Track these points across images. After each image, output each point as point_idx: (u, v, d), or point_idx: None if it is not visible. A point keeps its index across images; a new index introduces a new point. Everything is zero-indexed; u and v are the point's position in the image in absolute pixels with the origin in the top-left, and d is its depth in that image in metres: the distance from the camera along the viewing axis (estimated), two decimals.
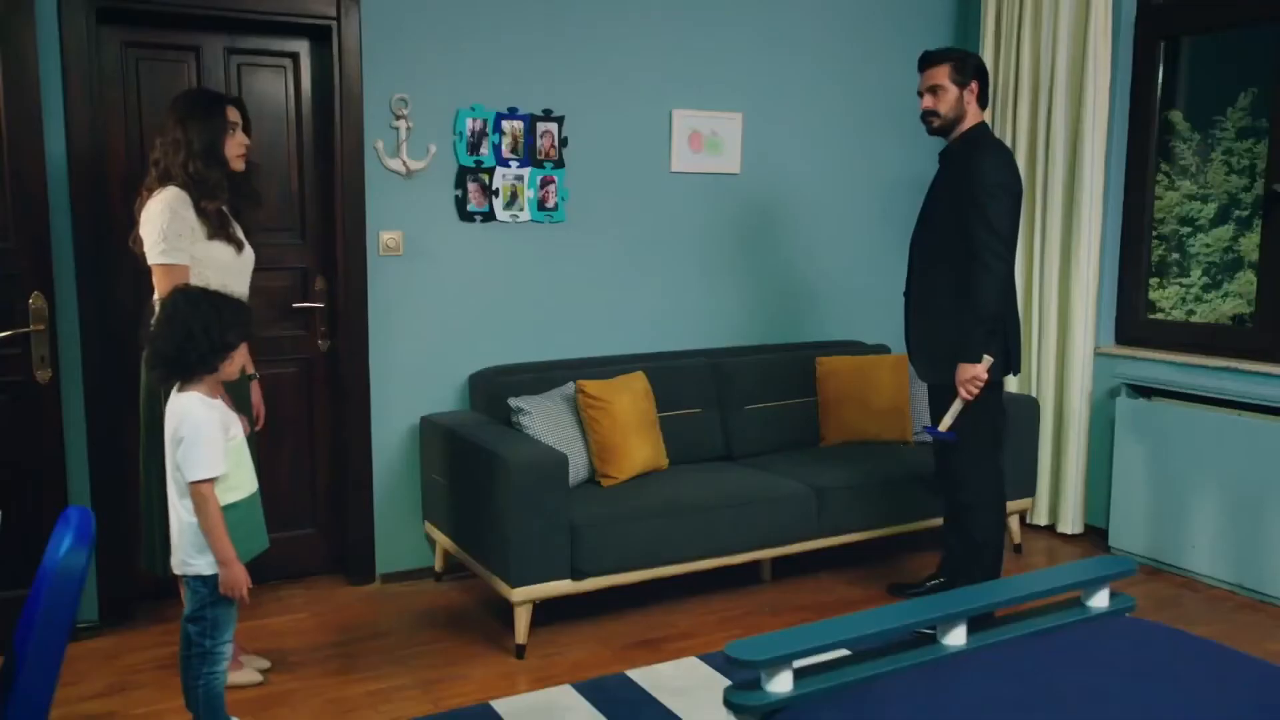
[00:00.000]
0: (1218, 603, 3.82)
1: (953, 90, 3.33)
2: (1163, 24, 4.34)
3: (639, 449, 3.74)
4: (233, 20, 3.53)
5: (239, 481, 2.56)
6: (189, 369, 2.48)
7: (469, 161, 3.91)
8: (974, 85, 3.35)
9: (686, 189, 4.36)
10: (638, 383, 3.87)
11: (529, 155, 4.01)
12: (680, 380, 4.10)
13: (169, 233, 2.76)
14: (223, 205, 2.93)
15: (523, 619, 3.30)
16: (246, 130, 3.00)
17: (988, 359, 3.25)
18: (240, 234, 2.99)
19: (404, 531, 3.98)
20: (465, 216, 3.94)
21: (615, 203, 4.21)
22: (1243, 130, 4.39)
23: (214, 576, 2.51)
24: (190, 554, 2.53)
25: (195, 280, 2.82)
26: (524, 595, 3.27)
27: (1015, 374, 3.47)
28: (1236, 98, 4.37)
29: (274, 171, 3.74)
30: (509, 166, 3.98)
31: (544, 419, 3.64)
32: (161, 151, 2.87)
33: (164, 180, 2.84)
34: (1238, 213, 4.40)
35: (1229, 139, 4.48)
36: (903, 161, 4.86)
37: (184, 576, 2.57)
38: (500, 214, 3.99)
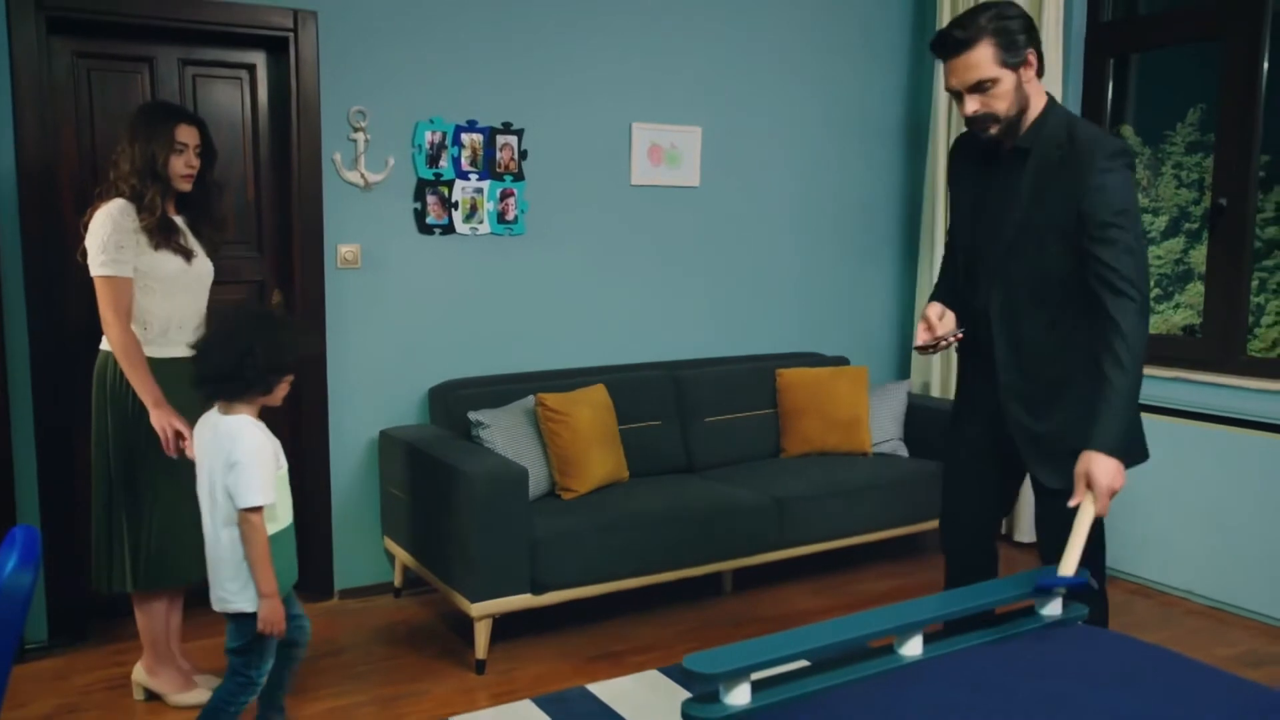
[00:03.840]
0: (1169, 609, 3.88)
1: (1008, 78, 2.28)
2: (1112, 42, 4.43)
3: (599, 461, 3.74)
4: (187, 31, 3.50)
5: (281, 513, 2.49)
6: (244, 388, 2.40)
7: (428, 174, 3.89)
8: (1030, 56, 2.29)
9: (646, 202, 4.37)
10: (598, 395, 3.87)
11: (488, 168, 4.01)
12: (641, 392, 4.10)
13: (109, 244, 2.73)
14: (170, 215, 2.88)
15: (482, 634, 3.28)
16: (208, 152, 2.95)
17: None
18: (193, 244, 2.94)
19: (362, 547, 3.95)
20: (424, 229, 3.92)
21: (575, 215, 4.22)
22: (1191, 145, 4.49)
23: (255, 613, 2.43)
24: (231, 590, 2.44)
25: (141, 292, 2.79)
26: (484, 610, 3.25)
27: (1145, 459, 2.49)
28: (1186, 113, 4.47)
29: (230, 184, 3.69)
30: (468, 179, 3.97)
31: (504, 432, 3.63)
32: (112, 164, 2.84)
33: (111, 192, 2.81)
34: (1187, 225, 4.49)
35: (1178, 153, 4.57)
36: (861, 174, 4.91)
37: (227, 613, 2.47)
38: (460, 227, 3.98)
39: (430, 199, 3.91)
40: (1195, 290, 4.34)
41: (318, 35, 3.64)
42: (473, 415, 3.68)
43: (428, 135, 3.87)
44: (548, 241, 4.16)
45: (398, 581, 3.95)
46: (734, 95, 4.53)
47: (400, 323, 3.92)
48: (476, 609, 3.24)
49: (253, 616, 2.44)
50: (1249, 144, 3.90)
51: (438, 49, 3.87)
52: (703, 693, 1.78)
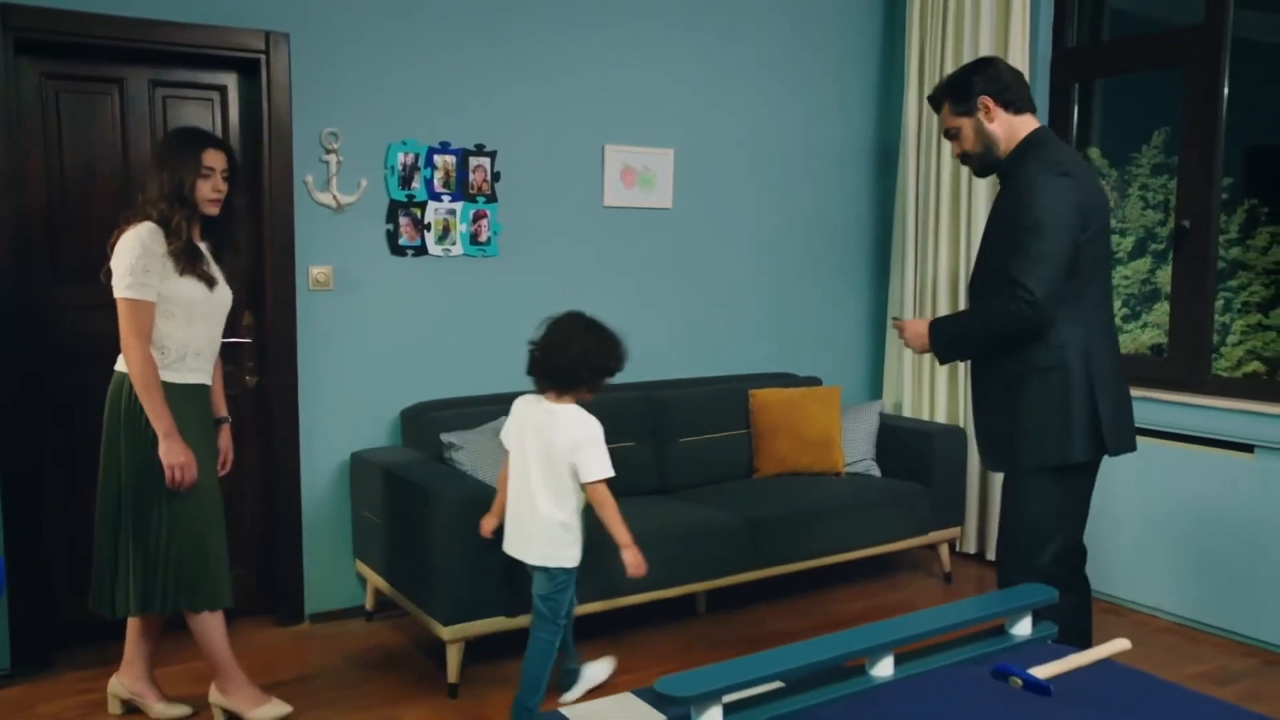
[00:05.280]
0: (1139, 627, 3.91)
1: (966, 123, 2.80)
2: (1077, 67, 4.51)
3: None
4: (158, 53, 3.49)
5: None
6: (576, 384, 2.88)
7: (400, 196, 3.89)
8: (983, 101, 2.75)
9: (619, 223, 4.39)
10: None
11: (461, 190, 4.01)
12: (614, 413, 4.08)
13: (136, 267, 2.73)
14: (195, 241, 2.89)
15: (455, 657, 3.26)
16: (233, 177, 2.96)
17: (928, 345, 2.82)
18: (215, 272, 2.94)
19: (334, 570, 3.91)
20: (397, 251, 3.91)
21: (548, 237, 4.22)
22: (1156, 167, 4.56)
23: (575, 568, 2.91)
24: (560, 548, 2.88)
25: (161, 317, 2.79)
26: (456, 633, 3.23)
27: (1116, 454, 2.75)
28: (1151, 136, 4.54)
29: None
30: (441, 201, 3.97)
31: (477, 454, 3.62)
32: (142, 188, 2.85)
33: (140, 215, 2.81)
34: (1154, 246, 4.55)
35: (1144, 175, 4.64)
36: (832, 196, 4.95)
37: (545, 567, 2.89)
38: (432, 248, 3.97)
39: (403, 220, 3.91)
40: (1162, 310, 4.40)
41: (290, 57, 3.64)
42: (445, 437, 3.66)
43: (400, 157, 3.87)
44: (521, 263, 4.17)
45: (369, 605, 3.92)
46: (706, 118, 4.56)
47: (373, 344, 3.90)
48: (449, 632, 3.22)
49: (567, 570, 2.91)
50: (1211, 167, 3.97)
51: (410, 71, 3.88)
52: (675, 716, 1.78)
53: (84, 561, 3.56)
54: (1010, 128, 2.77)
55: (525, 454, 2.92)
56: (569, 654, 3.19)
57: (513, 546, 2.96)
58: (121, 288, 2.74)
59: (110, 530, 2.86)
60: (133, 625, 3.01)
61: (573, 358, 2.85)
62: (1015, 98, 2.76)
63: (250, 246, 3.77)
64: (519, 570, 3.03)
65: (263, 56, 3.60)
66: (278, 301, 3.71)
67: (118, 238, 2.80)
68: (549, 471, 2.86)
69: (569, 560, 2.90)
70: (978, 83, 2.77)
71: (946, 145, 4.64)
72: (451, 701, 3.23)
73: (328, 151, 3.76)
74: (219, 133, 3.70)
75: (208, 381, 2.96)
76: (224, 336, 3.73)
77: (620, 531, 2.90)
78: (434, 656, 3.50)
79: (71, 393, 3.51)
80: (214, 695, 3.03)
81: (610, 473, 2.85)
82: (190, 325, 2.86)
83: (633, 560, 2.92)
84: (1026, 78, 4.38)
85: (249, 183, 3.74)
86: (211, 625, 2.94)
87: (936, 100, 2.88)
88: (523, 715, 2.89)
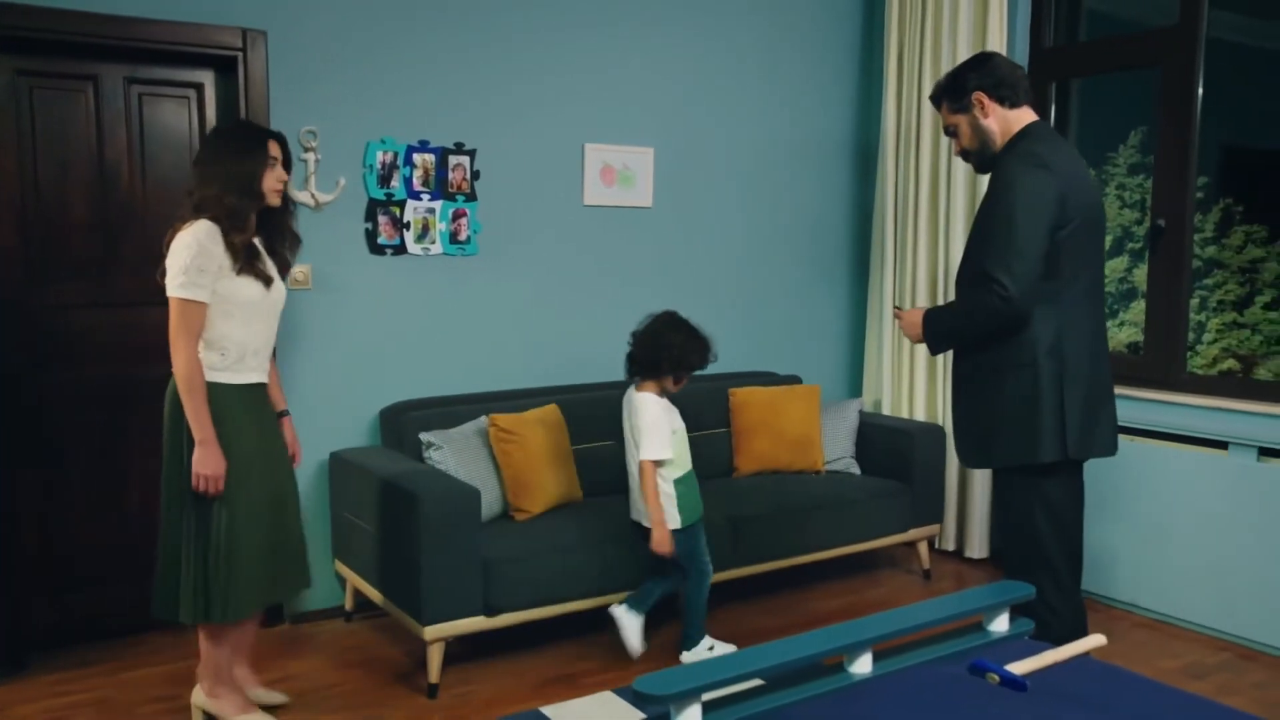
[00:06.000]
0: (1115, 622, 3.94)
1: (962, 120, 2.82)
2: (1054, 67, 4.53)
3: (553, 482, 3.73)
4: (133, 50, 3.46)
5: (680, 462, 3.34)
6: (656, 374, 3.30)
7: (379, 194, 3.88)
8: (977, 97, 2.77)
9: (599, 222, 4.39)
10: (551, 415, 3.86)
11: (440, 188, 4.00)
12: (594, 412, 4.10)
13: (191, 267, 2.68)
14: (252, 239, 2.85)
15: (435, 657, 3.25)
16: (286, 166, 2.93)
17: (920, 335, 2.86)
18: (271, 270, 2.91)
19: (313, 570, 3.88)
20: (376, 250, 3.90)
21: (528, 236, 4.22)
22: (1133, 166, 4.60)
23: (683, 528, 3.32)
24: (668, 515, 3.32)
25: (221, 317, 2.75)
26: (436, 633, 3.22)
27: (1078, 458, 2.74)
28: (1128, 135, 4.58)
29: (178, 204, 3.65)
30: (420, 199, 3.96)
31: (456, 453, 3.61)
32: (197, 183, 2.79)
33: (197, 212, 2.75)
34: (1131, 245, 4.59)
35: (1121, 175, 4.68)
36: (812, 194, 4.97)
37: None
38: (411, 247, 3.96)
39: (382, 219, 3.89)
40: (1139, 308, 4.44)
41: (267, 55, 3.62)
42: (424, 436, 3.65)
43: (379, 155, 3.86)
44: (500, 262, 4.16)
45: (349, 605, 3.90)
46: (686, 116, 4.57)
47: (351, 343, 3.89)
48: (429, 632, 3.21)
49: (682, 530, 3.34)
50: (1186, 166, 4.01)
51: (389, 69, 3.86)
52: (655, 714, 1.78)
53: (59, 563, 3.54)
54: (1006, 122, 2.78)
55: (626, 432, 3.39)
56: (648, 594, 3.47)
57: (632, 511, 3.43)
58: (174, 286, 2.70)
59: (174, 533, 2.81)
60: (205, 632, 2.92)
61: (655, 350, 3.27)
62: (1010, 92, 2.76)
63: None
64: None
65: (240, 54, 3.58)
66: None
67: (173, 237, 2.77)
68: (632, 447, 3.33)
69: (671, 522, 3.31)
70: (972, 79, 2.78)
71: (926, 144, 4.67)
72: (432, 702, 3.22)
73: (306, 150, 3.74)
74: (196, 132, 3.67)
75: (265, 380, 2.93)
76: None
77: (654, 508, 3.27)
78: (414, 656, 3.49)
79: (45, 393, 3.48)
80: (198, 697, 3.00)
81: (656, 455, 3.26)
82: (249, 325, 2.82)
83: (657, 536, 3.27)
84: None
85: None
86: (230, 629, 2.93)
87: (936, 99, 2.90)
88: (689, 642, 3.47)
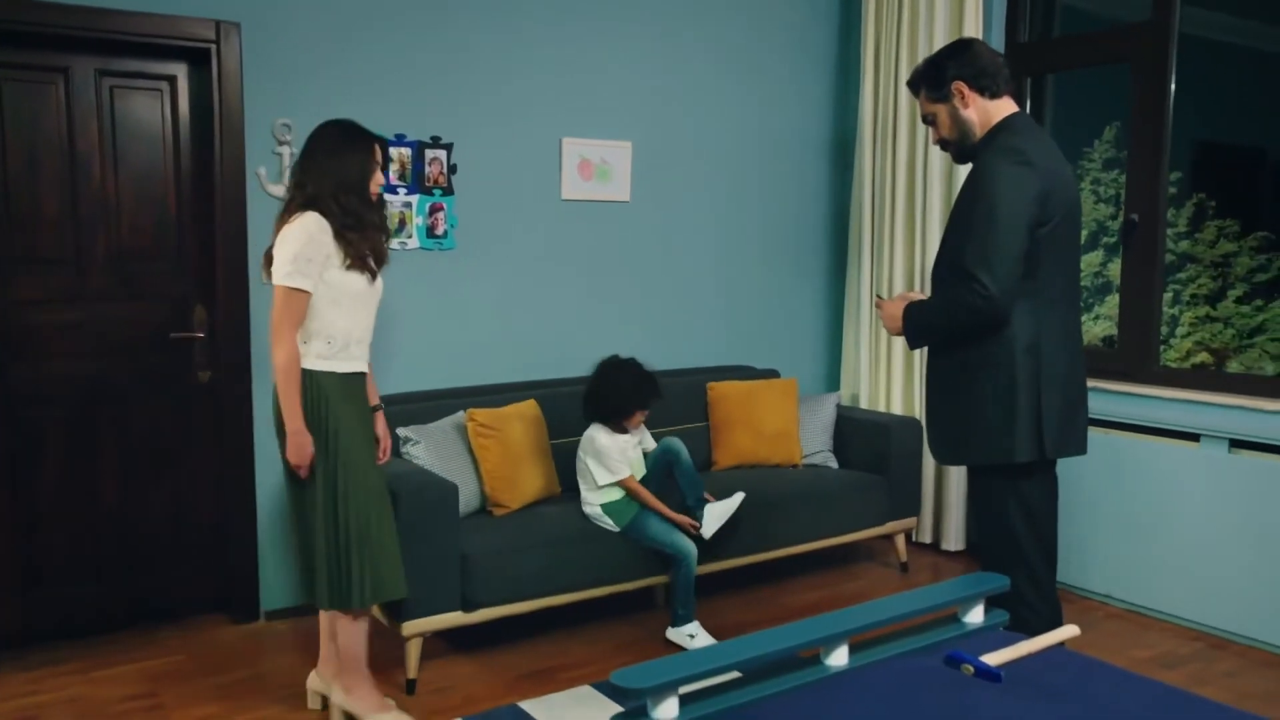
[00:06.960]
0: (1088, 613, 3.98)
1: (941, 109, 2.75)
2: (1029, 62, 4.56)
3: (531, 477, 3.72)
4: (105, 41, 3.42)
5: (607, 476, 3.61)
6: (615, 414, 3.62)
7: None
8: (957, 86, 2.70)
9: (577, 216, 4.38)
10: (529, 410, 3.85)
11: (417, 182, 3.98)
12: (573, 407, 4.08)
13: (300, 256, 2.72)
14: (370, 236, 2.90)
15: (413, 653, 3.24)
16: (382, 167, 2.98)
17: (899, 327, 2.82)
18: (374, 264, 2.93)
19: (289, 566, 3.87)
20: None
21: (506, 230, 4.20)
22: (1108, 161, 4.64)
23: (623, 529, 3.61)
24: (602, 522, 3.64)
25: (329, 306, 2.79)
26: (414, 628, 3.21)
27: (1054, 458, 2.72)
28: (1102, 131, 4.61)
29: (151, 198, 3.62)
30: (397, 193, 3.94)
31: (433, 448, 3.59)
32: (310, 177, 2.81)
33: (308, 205, 2.78)
34: (1105, 239, 4.63)
35: (1095, 170, 4.72)
36: (790, 188, 4.97)
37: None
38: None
39: None
40: (1114, 302, 4.48)
41: (241, 47, 3.59)
42: (401, 431, 3.64)
43: None
44: (478, 256, 4.14)
45: None
46: (664, 110, 4.56)
47: None
48: (407, 627, 3.20)
49: (630, 528, 3.60)
50: (1158, 162, 4.04)
51: (365, 62, 3.84)
52: (632, 707, 1.78)
53: (29, 562, 3.50)
54: (985, 113, 2.71)
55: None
56: (676, 600, 3.64)
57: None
58: (281, 275, 2.73)
59: (305, 526, 2.89)
60: (348, 622, 2.95)
61: (604, 394, 3.63)
62: (991, 82, 2.69)
63: (201, 240, 3.72)
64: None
65: (213, 46, 3.54)
66: (230, 296, 3.66)
67: (281, 226, 2.80)
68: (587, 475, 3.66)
69: (613, 528, 3.63)
70: (951, 68, 2.71)
71: (902, 139, 4.68)
72: (410, 697, 3.21)
73: (280, 143, 3.71)
74: (169, 125, 3.64)
75: (365, 370, 2.96)
76: (176, 332, 3.72)
77: (664, 512, 3.64)
78: (392, 652, 3.47)
79: (13, 388, 3.44)
80: (337, 695, 3.01)
81: (620, 475, 3.60)
82: (354, 315, 2.86)
83: (684, 524, 3.63)
84: None
85: (200, 175, 3.69)
86: (360, 622, 2.95)
87: (915, 86, 2.83)
88: (675, 620, 3.62)
